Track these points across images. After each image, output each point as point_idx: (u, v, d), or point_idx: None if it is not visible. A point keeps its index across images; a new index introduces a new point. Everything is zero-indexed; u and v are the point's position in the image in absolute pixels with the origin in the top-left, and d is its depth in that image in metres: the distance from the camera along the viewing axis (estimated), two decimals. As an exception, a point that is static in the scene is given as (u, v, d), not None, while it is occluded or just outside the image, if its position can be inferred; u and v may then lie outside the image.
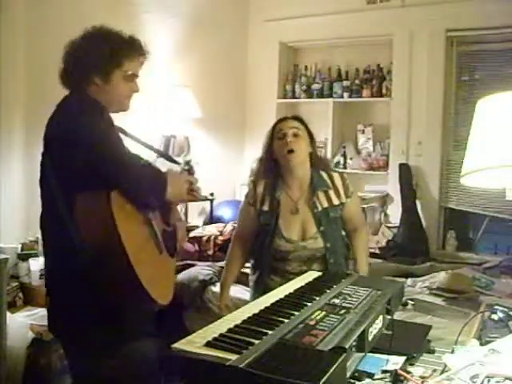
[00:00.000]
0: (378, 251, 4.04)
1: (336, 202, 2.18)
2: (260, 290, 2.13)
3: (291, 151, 2.10)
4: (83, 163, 1.48)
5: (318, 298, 1.39)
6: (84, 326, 1.55)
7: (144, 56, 1.76)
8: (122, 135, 1.72)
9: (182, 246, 2.08)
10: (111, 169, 1.50)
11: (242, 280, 3.26)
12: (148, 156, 1.88)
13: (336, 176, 2.23)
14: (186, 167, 1.91)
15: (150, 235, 1.62)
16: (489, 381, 1.14)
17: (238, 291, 3.15)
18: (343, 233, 2.27)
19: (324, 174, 2.21)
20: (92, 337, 1.55)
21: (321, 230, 2.14)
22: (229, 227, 3.98)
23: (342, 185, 2.21)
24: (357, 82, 4.65)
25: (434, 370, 1.30)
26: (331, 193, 2.18)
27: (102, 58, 1.63)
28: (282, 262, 2.17)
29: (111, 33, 1.70)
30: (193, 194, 1.80)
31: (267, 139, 2.21)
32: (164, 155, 2.01)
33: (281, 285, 1.91)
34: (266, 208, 2.18)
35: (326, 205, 2.16)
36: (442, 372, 1.27)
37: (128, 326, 1.59)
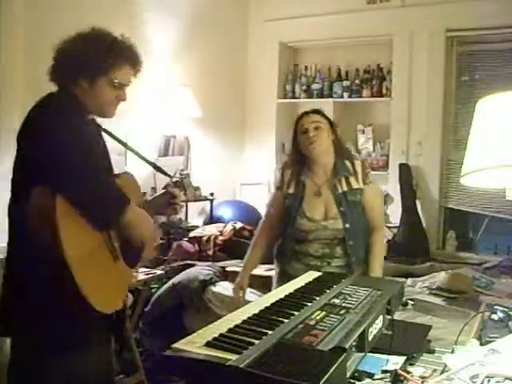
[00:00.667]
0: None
1: (355, 185, 2.30)
2: (284, 279, 2.16)
3: (313, 143, 2.25)
4: (41, 159, 1.47)
5: (318, 298, 1.39)
6: (23, 328, 1.53)
7: (136, 67, 1.72)
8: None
9: (147, 258, 2.06)
10: (65, 174, 1.46)
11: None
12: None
13: (357, 163, 2.36)
14: (176, 179, 1.94)
15: (103, 241, 1.56)
16: (489, 381, 1.15)
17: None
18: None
19: (347, 162, 2.34)
20: (31, 341, 1.53)
21: (341, 211, 2.25)
22: (229, 227, 3.98)
23: (361, 171, 2.33)
24: (357, 81, 4.66)
25: (434, 370, 1.29)
26: (352, 178, 2.30)
27: (89, 62, 1.61)
28: (304, 245, 2.27)
29: (104, 37, 1.67)
30: (173, 208, 1.85)
31: (292, 134, 2.36)
32: (156, 167, 1.99)
33: (302, 271, 1.98)
34: (291, 191, 2.32)
35: (345, 188, 2.29)
36: (442, 372, 1.27)
37: (65, 332, 1.51)
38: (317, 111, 2.36)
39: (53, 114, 1.54)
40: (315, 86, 4.82)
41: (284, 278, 2.22)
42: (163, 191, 1.91)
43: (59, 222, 1.42)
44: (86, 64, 1.61)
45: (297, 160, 2.34)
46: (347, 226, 2.24)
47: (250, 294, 3.00)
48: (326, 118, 2.35)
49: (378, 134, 4.69)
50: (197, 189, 4.33)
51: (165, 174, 1.97)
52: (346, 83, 4.69)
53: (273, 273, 2.52)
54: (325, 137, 2.28)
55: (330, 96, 4.75)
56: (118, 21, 3.72)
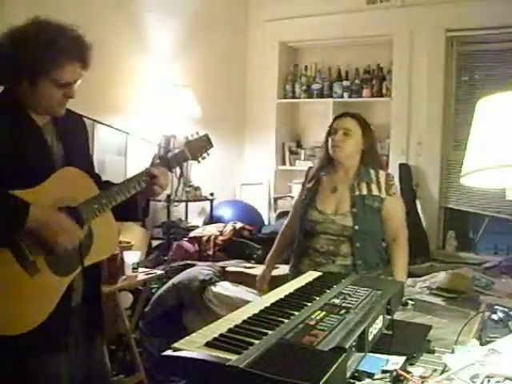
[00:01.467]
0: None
1: (375, 192, 2.33)
2: (292, 275, 2.27)
3: (337, 147, 2.32)
4: None
5: (317, 298, 1.39)
6: None
7: (83, 61, 1.61)
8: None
9: (106, 257, 1.89)
10: None
11: (243, 281, 3.27)
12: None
13: (382, 173, 2.39)
14: (161, 146, 1.83)
15: (11, 258, 1.44)
16: (489, 381, 1.15)
17: (240, 291, 3.15)
18: (383, 244, 2.40)
19: (371, 170, 2.37)
20: None
21: (353, 211, 2.28)
22: (229, 227, 3.98)
23: (384, 181, 2.36)
24: (357, 81, 4.65)
25: (434, 370, 1.29)
26: (373, 186, 2.34)
27: (26, 63, 1.51)
28: (312, 239, 2.32)
29: (43, 33, 1.55)
30: (153, 190, 1.74)
31: (326, 132, 2.42)
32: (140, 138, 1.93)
33: (310, 267, 2.08)
34: (309, 185, 2.42)
35: (364, 192, 2.33)
36: (442, 372, 1.27)
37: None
38: (355, 116, 2.40)
39: None
40: (315, 86, 4.82)
41: (296, 273, 2.23)
42: (140, 173, 1.75)
43: None
44: (23, 65, 1.51)
45: (325, 157, 2.42)
46: (356, 227, 2.26)
47: (250, 294, 3.01)
48: (362, 125, 2.37)
49: (378, 133, 4.66)
50: (197, 189, 4.34)
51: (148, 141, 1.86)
52: (345, 83, 4.68)
53: (275, 272, 2.56)
54: (351, 144, 2.32)
55: (330, 96, 4.74)
56: (119, 21, 3.73)
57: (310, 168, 2.53)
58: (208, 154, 2.05)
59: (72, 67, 1.57)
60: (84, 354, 1.70)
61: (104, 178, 1.87)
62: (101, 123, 1.81)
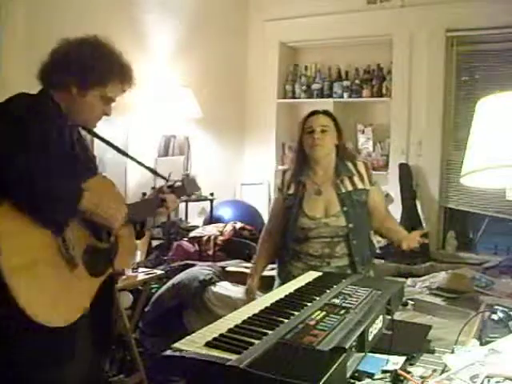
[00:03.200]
0: (378, 251, 4.04)
1: (360, 186, 2.30)
2: (283, 277, 2.24)
3: (317, 145, 2.26)
4: None
5: (317, 298, 1.39)
6: None
7: (129, 86, 1.70)
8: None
9: (122, 269, 1.92)
10: (8, 173, 1.39)
11: (243, 281, 3.27)
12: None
13: (360, 164, 2.37)
14: (171, 183, 1.91)
15: (56, 250, 1.47)
16: (489, 381, 1.14)
17: (239, 292, 3.15)
18: (371, 231, 2.39)
19: (349, 163, 2.35)
20: None
21: (344, 210, 2.25)
22: (229, 227, 3.98)
23: (365, 172, 2.34)
24: (357, 81, 4.66)
25: (434, 370, 1.29)
26: (355, 178, 2.31)
27: (89, 71, 1.57)
28: (304, 244, 2.26)
29: (106, 49, 1.63)
30: (161, 212, 1.81)
31: (298, 131, 2.37)
32: (152, 171, 2.02)
33: (304, 271, 2.00)
34: (291, 191, 2.34)
35: (350, 188, 2.30)
36: (442, 372, 1.27)
37: (12, 348, 1.44)
38: (327, 113, 2.37)
39: (11, 110, 1.48)
40: (315, 86, 4.82)
41: (285, 277, 2.23)
42: (155, 194, 1.86)
43: None
44: (82, 73, 1.56)
45: (300, 158, 2.36)
46: (351, 225, 2.24)
47: (244, 291, 3.01)
48: (335, 120, 2.35)
49: (378, 133, 4.69)
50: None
51: (162, 177, 1.95)
52: (346, 83, 4.69)
53: (273, 272, 2.53)
54: (329, 141, 2.30)
55: (330, 96, 4.75)
56: (119, 22, 3.73)
57: (285, 172, 2.43)
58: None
59: (120, 86, 1.67)
60: (88, 363, 1.66)
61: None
62: (99, 137, 1.83)
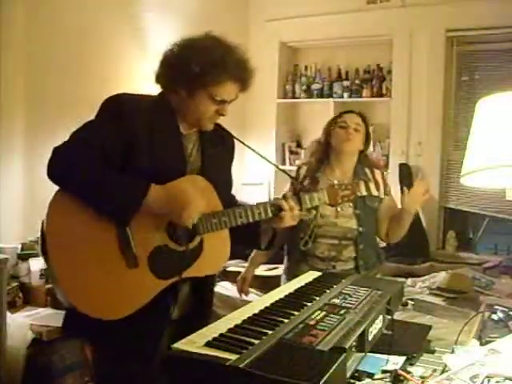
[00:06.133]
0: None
1: (375, 193, 2.31)
2: (290, 278, 2.20)
3: (349, 140, 2.28)
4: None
5: (317, 298, 1.39)
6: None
7: (243, 83, 1.67)
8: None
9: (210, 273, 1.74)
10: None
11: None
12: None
13: (378, 172, 2.40)
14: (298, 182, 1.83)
15: (116, 247, 1.49)
16: (489, 381, 1.15)
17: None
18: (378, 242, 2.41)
19: (367, 170, 2.37)
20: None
21: (356, 213, 2.26)
22: (229, 227, 3.97)
23: (382, 181, 2.37)
24: (357, 81, 4.65)
25: (434, 370, 1.29)
26: (371, 185, 2.29)
27: (190, 74, 1.55)
28: (311, 245, 2.26)
29: (214, 49, 1.59)
30: (277, 221, 1.67)
31: (327, 125, 2.38)
32: (280, 169, 2.02)
33: None
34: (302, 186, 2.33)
35: (364, 193, 2.27)
36: (442, 372, 1.27)
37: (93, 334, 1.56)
38: (362, 116, 2.39)
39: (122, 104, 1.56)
40: (315, 86, 4.82)
41: (290, 277, 2.22)
42: (269, 201, 1.72)
43: (50, 220, 1.44)
44: (186, 75, 1.55)
45: (322, 153, 2.36)
46: (361, 229, 2.26)
47: (250, 294, 3.00)
48: (366, 125, 2.37)
49: (378, 134, 4.68)
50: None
51: (289, 176, 1.95)
52: (346, 83, 4.68)
53: (273, 272, 2.53)
54: (358, 141, 2.33)
55: (330, 96, 4.74)
56: (119, 21, 3.73)
57: (300, 167, 2.44)
58: (349, 203, 1.98)
59: (231, 87, 1.63)
60: None
61: None
62: (250, 148, 1.81)
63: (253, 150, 1.78)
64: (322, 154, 2.36)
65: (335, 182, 1.87)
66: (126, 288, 1.50)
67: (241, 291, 2.43)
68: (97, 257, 1.47)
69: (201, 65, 1.54)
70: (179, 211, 1.48)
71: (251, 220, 1.64)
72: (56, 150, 1.51)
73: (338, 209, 2.22)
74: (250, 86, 1.71)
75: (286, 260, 2.43)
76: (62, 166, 1.49)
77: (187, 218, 1.49)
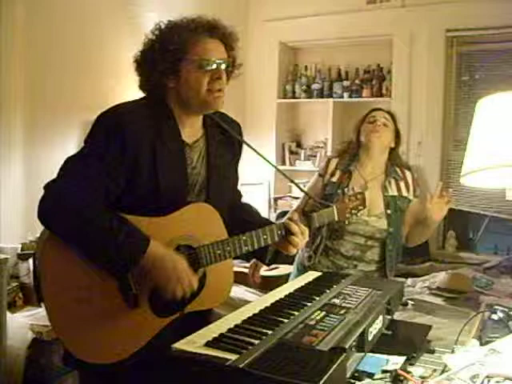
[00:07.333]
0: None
1: (405, 193, 2.31)
2: (302, 271, 2.17)
3: (377, 132, 2.26)
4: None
5: (317, 298, 1.39)
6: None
7: (221, 36, 1.61)
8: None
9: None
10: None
11: (243, 281, 3.26)
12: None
13: (408, 173, 2.38)
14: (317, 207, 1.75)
15: (115, 288, 1.41)
16: (489, 381, 1.14)
17: (239, 291, 3.15)
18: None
19: (397, 169, 2.35)
20: None
21: (387, 213, 2.24)
22: (229, 227, 3.97)
23: (412, 182, 2.35)
24: (357, 81, 4.65)
25: (434, 370, 1.29)
26: (402, 184, 2.31)
27: (167, 53, 1.50)
28: (337, 241, 2.24)
29: (180, 22, 1.58)
30: (286, 245, 1.60)
31: (358, 122, 2.37)
32: (316, 200, 1.94)
33: (328, 268, 2.02)
34: (334, 179, 2.31)
35: (395, 193, 2.30)
36: (442, 372, 1.27)
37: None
38: (391, 114, 2.38)
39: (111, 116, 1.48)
40: (315, 86, 4.82)
41: (303, 270, 2.21)
42: (276, 225, 1.62)
43: (44, 263, 1.38)
44: (164, 57, 1.50)
45: (353, 148, 2.35)
46: (391, 229, 2.24)
47: (250, 294, 3.00)
48: (396, 125, 2.36)
49: (378, 134, 4.69)
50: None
51: (325, 205, 1.78)
52: (346, 83, 4.68)
53: (273, 273, 2.52)
54: (387, 136, 2.30)
55: (330, 96, 4.74)
56: (121, 22, 3.73)
57: (330, 159, 2.38)
58: (357, 215, 1.89)
59: (212, 45, 1.57)
60: None
61: None
62: (255, 150, 1.78)
63: (260, 154, 1.74)
64: (353, 150, 2.35)
65: (351, 191, 1.88)
66: (125, 330, 1.43)
67: (252, 276, 2.37)
68: (95, 300, 1.40)
69: (172, 38, 1.52)
70: (164, 287, 1.40)
71: (257, 247, 1.57)
72: (48, 188, 1.40)
73: (369, 208, 2.13)
74: (236, 42, 1.66)
75: (303, 252, 2.34)
76: (53, 209, 1.37)
77: (169, 295, 1.40)
